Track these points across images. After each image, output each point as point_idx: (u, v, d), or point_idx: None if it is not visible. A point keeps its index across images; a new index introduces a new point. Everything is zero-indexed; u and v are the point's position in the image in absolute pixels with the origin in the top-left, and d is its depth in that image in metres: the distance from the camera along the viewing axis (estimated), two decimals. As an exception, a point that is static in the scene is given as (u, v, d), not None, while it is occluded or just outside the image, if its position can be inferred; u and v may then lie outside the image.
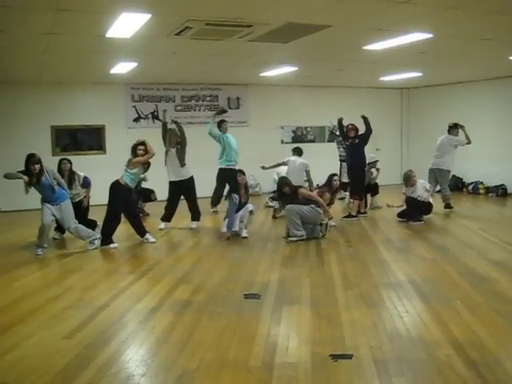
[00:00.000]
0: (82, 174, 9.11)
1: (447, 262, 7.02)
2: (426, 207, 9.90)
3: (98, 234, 8.30)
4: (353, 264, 7.04)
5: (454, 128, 11.33)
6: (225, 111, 11.24)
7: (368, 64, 10.49)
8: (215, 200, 11.19)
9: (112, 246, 8.21)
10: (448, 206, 11.04)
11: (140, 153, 8.27)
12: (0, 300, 5.78)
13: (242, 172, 8.93)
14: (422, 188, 9.88)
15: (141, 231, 8.54)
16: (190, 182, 9.55)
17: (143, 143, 8.38)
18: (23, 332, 4.81)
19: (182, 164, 9.36)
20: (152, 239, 8.48)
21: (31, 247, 8.04)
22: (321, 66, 11.06)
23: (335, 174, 9.57)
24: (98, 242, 8.14)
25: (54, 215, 7.86)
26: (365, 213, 10.70)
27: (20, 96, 12.12)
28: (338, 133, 11.54)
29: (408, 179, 10.00)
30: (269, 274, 6.56)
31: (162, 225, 9.57)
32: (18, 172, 7.68)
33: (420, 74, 12.49)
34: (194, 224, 9.69)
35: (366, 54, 8.99)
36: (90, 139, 13.08)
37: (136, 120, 13.39)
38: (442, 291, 5.78)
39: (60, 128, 12.60)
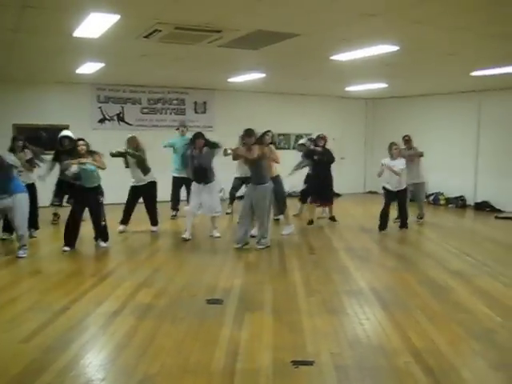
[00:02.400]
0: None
1: (407, 271, 7.14)
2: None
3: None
4: (315, 271, 7.10)
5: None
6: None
7: (334, 74, 10.61)
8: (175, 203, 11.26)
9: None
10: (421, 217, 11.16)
11: (82, 148, 8.05)
12: (-45, 301, 5.64)
13: None
14: (402, 165, 9.84)
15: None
16: (150, 186, 9.51)
17: (82, 139, 8.23)
18: (-21, 335, 4.70)
19: (145, 173, 9.38)
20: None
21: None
22: (288, 74, 11.14)
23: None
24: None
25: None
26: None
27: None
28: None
29: (390, 148, 9.94)
30: (231, 280, 6.56)
31: (121, 227, 9.47)
32: None
33: (385, 85, 12.68)
34: (155, 228, 9.68)
35: (332, 64, 9.07)
36: (53, 139, 12.81)
37: (101, 121, 13.23)
38: (402, 299, 5.88)
39: (22, 126, 12.35)
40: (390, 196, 9.89)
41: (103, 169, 8.12)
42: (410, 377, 3.94)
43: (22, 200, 7.59)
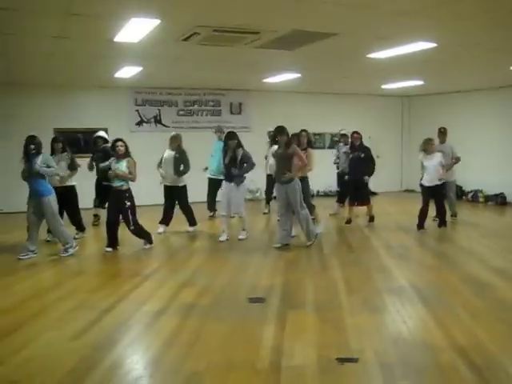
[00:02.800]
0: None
1: (448, 269, 7.09)
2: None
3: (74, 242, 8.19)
4: (355, 269, 7.10)
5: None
6: None
7: (371, 72, 10.59)
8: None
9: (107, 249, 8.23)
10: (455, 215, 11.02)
11: (119, 149, 8.14)
12: (6, 301, 5.84)
13: None
14: (439, 159, 9.70)
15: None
16: (182, 188, 9.63)
17: (121, 139, 8.32)
18: (31, 333, 4.86)
19: (179, 175, 9.47)
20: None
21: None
22: (324, 74, 11.16)
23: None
24: (72, 251, 8.01)
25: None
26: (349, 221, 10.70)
27: (24, 98, 12.20)
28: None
29: (426, 143, 9.79)
30: (272, 278, 6.62)
31: (161, 228, 9.61)
32: None
33: (421, 83, 12.59)
34: (191, 228, 9.80)
35: (369, 62, 9.07)
36: (92, 142, 13.08)
37: (139, 124, 13.47)
38: (444, 297, 5.84)
39: (63, 131, 12.62)
40: (428, 193, 9.76)
41: (133, 181, 8.20)
42: (456, 374, 3.93)
43: (48, 203, 7.76)
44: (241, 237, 9.08)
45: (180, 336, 4.74)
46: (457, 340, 4.56)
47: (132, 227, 8.22)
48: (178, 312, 5.37)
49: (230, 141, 8.86)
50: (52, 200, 7.81)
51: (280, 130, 8.33)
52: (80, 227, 9.25)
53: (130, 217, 8.17)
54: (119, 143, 8.19)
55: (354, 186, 10.42)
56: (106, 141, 10.16)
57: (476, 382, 3.79)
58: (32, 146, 7.76)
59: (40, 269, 7.38)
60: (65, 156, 9.00)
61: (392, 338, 4.67)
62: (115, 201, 8.18)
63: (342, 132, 12.08)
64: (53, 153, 8.88)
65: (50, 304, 5.70)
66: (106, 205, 10.16)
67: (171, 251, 8.57)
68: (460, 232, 10.04)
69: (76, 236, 8.99)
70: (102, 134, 10.50)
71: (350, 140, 10.90)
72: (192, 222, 9.81)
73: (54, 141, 9.16)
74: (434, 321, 5.06)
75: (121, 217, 8.37)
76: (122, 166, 8.05)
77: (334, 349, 4.40)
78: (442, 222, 9.96)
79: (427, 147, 9.71)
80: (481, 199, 13.84)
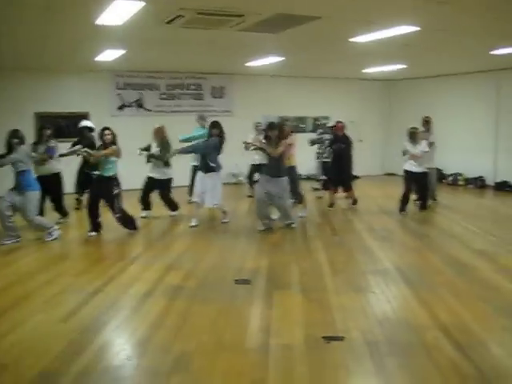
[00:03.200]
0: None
1: (431, 251, 7.22)
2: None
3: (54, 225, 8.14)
4: (339, 251, 7.20)
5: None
6: None
7: (353, 56, 10.60)
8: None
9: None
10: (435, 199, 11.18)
11: (107, 138, 8.12)
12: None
13: None
14: (424, 148, 9.80)
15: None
16: (168, 181, 9.63)
17: (108, 128, 8.30)
18: (18, 316, 4.87)
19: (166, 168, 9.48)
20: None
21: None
22: (307, 57, 11.14)
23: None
24: (56, 233, 7.98)
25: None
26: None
27: (4, 82, 12.02)
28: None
29: (413, 134, 9.84)
30: (258, 261, 6.69)
31: (144, 213, 9.60)
32: None
33: (404, 67, 12.64)
34: (174, 213, 9.80)
35: (352, 46, 9.07)
36: (73, 126, 12.96)
37: (120, 108, 13.35)
38: (427, 278, 5.96)
39: (43, 115, 12.51)
40: (411, 178, 9.86)
41: (117, 157, 8.19)
42: (440, 351, 4.03)
43: (32, 198, 7.71)
44: (225, 220, 9.13)
45: (168, 318, 4.79)
46: (440, 319, 4.67)
47: (118, 214, 8.21)
48: (164, 294, 5.41)
49: (214, 129, 8.89)
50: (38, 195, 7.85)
51: (272, 126, 8.46)
52: (63, 213, 9.21)
53: (117, 204, 8.17)
54: (107, 131, 8.16)
55: (338, 172, 10.52)
56: (91, 129, 10.12)
57: (459, 358, 3.90)
58: (16, 140, 7.65)
59: (24, 253, 7.34)
60: (52, 143, 8.93)
61: (377, 317, 4.77)
62: (101, 188, 8.13)
63: (330, 125, 12.12)
64: (40, 140, 8.82)
65: (36, 288, 5.69)
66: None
67: (155, 235, 8.56)
68: (441, 215, 10.17)
69: (59, 221, 8.95)
70: (87, 123, 10.43)
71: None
72: (174, 207, 9.82)
73: (42, 128, 9.07)
74: (418, 301, 5.17)
75: (103, 202, 8.34)
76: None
77: (320, 328, 4.48)
78: (424, 206, 10.09)
79: (414, 136, 9.80)
80: (460, 182, 14.00)
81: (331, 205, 10.60)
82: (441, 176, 14.26)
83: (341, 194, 10.79)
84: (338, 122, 10.74)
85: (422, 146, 9.74)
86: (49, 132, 8.95)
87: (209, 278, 6.01)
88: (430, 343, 4.18)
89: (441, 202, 11.09)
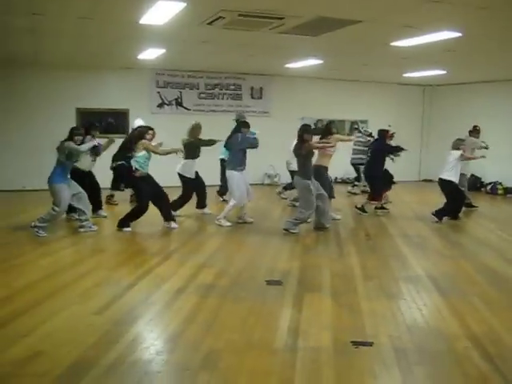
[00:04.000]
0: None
1: (464, 259, 7.12)
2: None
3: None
4: (372, 256, 7.17)
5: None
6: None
7: (394, 60, 10.55)
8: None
9: (126, 229, 8.33)
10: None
11: (149, 137, 8.38)
12: (31, 275, 5.99)
13: None
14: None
15: (167, 216, 8.64)
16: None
17: (152, 128, 8.55)
18: (55, 306, 5.01)
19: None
20: (174, 225, 8.61)
21: (55, 226, 8.23)
22: (346, 61, 11.14)
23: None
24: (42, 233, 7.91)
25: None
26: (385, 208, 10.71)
27: (47, 78, 12.35)
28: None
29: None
30: (290, 262, 6.73)
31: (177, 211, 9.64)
32: None
33: (444, 72, 12.51)
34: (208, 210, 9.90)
35: (392, 51, 9.05)
36: (114, 123, 13.22)
37: (160, 106, 13.56)
38: (459, 287, 5.90)
39: (85, 111, 12.79)
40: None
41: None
42: (469, 361, 3.99)
43: (56, 190, 7.88)
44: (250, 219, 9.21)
45: (199, 314, 4.86)
46: (471, 328, 4.62)
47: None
48: (197, 291, 5.48)
49: (246, 129, 8.99)
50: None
51: (307, 130, 8.57)
52: (100, 206, 9.44)
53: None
54: (151, 132, 8.52)
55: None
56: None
57: (488, 369, 3.85)
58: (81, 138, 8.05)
59: (62, 246, 7.54)
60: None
61: (407, 324, 4.74)
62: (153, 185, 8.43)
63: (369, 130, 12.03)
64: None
65: (72, 280, 5.84)
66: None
67: (189, 233, 8.65)
68: (477, 223, 10.02)
69: (103, 214, 9.32)
70: (141, 122, 10.51)
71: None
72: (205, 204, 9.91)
73: (91, 126, 9.35)
74: (449, 309, 5.12)
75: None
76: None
77: (349, 332, 4.49)
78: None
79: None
80: (500, 191, 13.77)
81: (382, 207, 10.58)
82: (480, 184, 14.10)
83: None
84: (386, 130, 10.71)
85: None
86: (97, 132, 9.22)
87: (241, 277, 6.07)
88: (460, 353, 4.14)
89: (478, 211, 10.93)
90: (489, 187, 14.01)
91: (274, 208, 10.84)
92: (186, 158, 9.28)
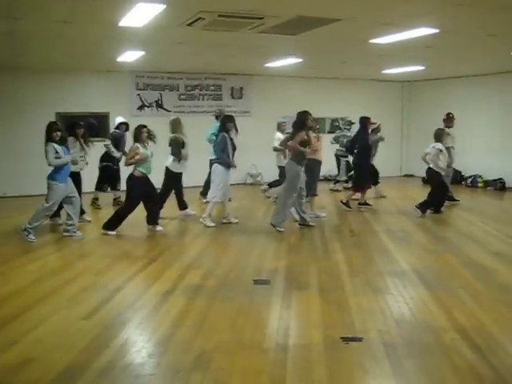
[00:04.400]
0: None
1: (449, 253, 7.21)
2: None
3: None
4: (357, 252, 7.23)
5: None
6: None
7: (372, 57, 10.64)
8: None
9: (111, 233, 8.26)
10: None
11: (144, 135, 8.33)
12: (17, 281, 5.96)
13: None
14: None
15: (153, 219, 8.59)
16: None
17: (145, 126, 8.55)
18: (43, 312, 4.99)
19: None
20: (159, 228, 8.57)
21: (40, 230, 8.10)
22: (325, 59, 11.20)
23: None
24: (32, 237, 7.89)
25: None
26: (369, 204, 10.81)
27: (27, 82, 12.22)
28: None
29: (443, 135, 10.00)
30: (276, 261, 6.76)
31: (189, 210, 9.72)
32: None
33: (422, 68, 12.63)
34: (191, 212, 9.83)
35: (371, 48, 9.12)
36: (96, 124, 13.09)
37: (140, 108, 13.52)
38: (445, 280, 5.98)
39: (65, 115, 12.67)
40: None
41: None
42: (457, 353, 4.05)
43: (49, 187, 7.87)
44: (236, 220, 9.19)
45: (188, 316, 4.87)
46: (458, 321, 4.69)
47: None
48: (185, 293, 5.48)
49: (231, 124, 8.95)
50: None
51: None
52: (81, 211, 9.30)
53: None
54: (145, 129, 8.50)
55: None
56: (127, 125, 10.46)
57: (476, 360, 3.92)
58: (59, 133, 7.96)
59: (48, 251, 7.50)
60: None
61: (395, 318, 4.80)
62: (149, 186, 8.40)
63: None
64: (74, 137, 8.97)
65: (59, 286, 5.80)
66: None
67: (174, 235, 8.64)
68: (459, 217, 10.15)
69: (87, 218, 9.23)
70: (123, 119, 10.64)
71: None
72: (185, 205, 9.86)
73: (77, 125, 9.22)
74: (436, 302, 5.19)
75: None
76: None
77: (338, 329, 4.53)
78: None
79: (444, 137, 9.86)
80: (480, 184, 13.93)
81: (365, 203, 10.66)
82: (460, 178, 14.24)
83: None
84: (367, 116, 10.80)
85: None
86: (82, 131, 9.13)
87: (228, 277, 6.09)
88: (448, 345, 4.20)
89: (459, 204, 11.06)
90: (469, 180, 14.16)
91: (258, 207, 10.86)
92: (172, 153, 9.33)
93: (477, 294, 5.44)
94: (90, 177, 10.15)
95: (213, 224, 8.81)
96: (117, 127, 10.54)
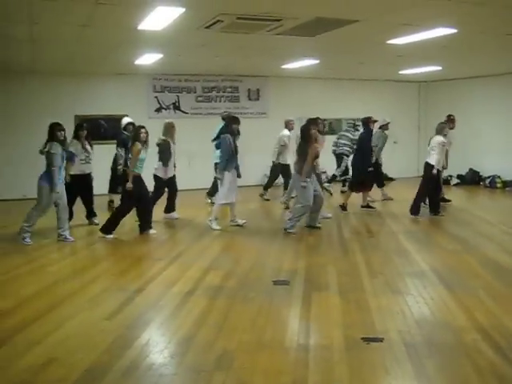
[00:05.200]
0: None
1: (468, 253, 7.18)
2: None
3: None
4: (376, 253, 7.23)
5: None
6: None
7: (390, 58, 10.62)
8: None
9: (109, 236, 8.24)
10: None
11: (142, 136, 8.25)
12: (39, 283, 6.04)
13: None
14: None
15: (145, 225, 8.55)
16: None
17: (143, 127, 8.44)
18: (65, 313, 5.06)
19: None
20: (152, 231, 8.54)
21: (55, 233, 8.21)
22: (342, 60, 11.20)
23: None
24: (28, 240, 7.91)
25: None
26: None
27: (46, 85, 12.38)
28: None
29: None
30: (295, 262, 6.78)
31: (175, 214, 9.73)
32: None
33: (439, 68, 12.58)
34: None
35: (388, 48, 9.11)
36: (112, 129, 13.22)
37: (157, 110, 13.59)
38: (465, 281, 5.96)
39: (83, 117, 12.81)
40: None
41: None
42: (479, 353, 4.05)
43: (38, 190, 7.95)
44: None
45: (209, 316, 4.91)
46: (479, 321, 4.68)
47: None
48: (206, 294, 5.53)
49: (236, 126, 8.89)
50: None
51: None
52: (92, 213, 9.34)
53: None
54: (143, 130, 8.35)
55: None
56: (134, 125, 10.34)
57: (498, 360, 3.91)
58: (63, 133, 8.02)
59: (67, 253, 7.60)
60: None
61: (415, 319, 4.80)
62: (142, 187, 8.39)
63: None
64: (77, 138, 9.03)
65: (80, 287, 5.87)
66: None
67: (191, 237, 8.65)
68: (477, 217, 10.08)
69: (95, 221, 9.18)
70: (131, 119, 10.58)
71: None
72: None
73: (80, 127, 9.23)
74: (456, 303, 5.18)
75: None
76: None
77: (359, 329, 4.54)
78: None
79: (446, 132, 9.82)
80: (498, 185, 13.81)
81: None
82: (478, 178, 14.17)
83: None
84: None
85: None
86: (85, 133, 9.09)
87: (248, 278, 6.12)
88: (469, 345, 4.20)
89: (478, 205, 11.01)
90: (487, 181, 14.06)
91: (275, 208, 10.88)
92: (160, 159, 9.37)
93: (496, 294, 5.42)
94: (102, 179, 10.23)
95: (218, 227, 8.77)
96: (124, 128, 10.55)
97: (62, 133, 8.04)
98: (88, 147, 9.07)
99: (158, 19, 6.73)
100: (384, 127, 11.50)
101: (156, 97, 13.58)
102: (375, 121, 10.72)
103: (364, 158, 10.30)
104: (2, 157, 12.23)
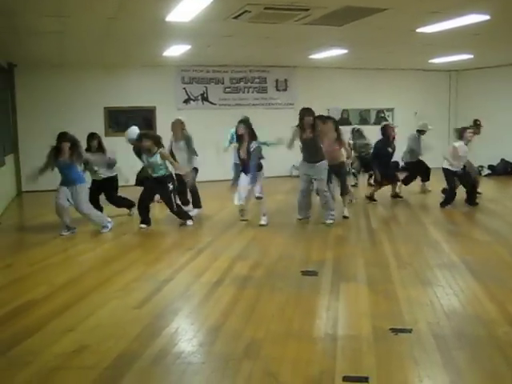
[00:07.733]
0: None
1: (500, 244, 7.08)
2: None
3: (108, 218, 8.35)
4: (405, 244, 7.16)
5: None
6: None
7: (419, 46, 10.48)
8: None
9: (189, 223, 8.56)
10: None
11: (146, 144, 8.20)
12: (70, 272, 6.16)
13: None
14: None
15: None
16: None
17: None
18: (96, 301, 5.13)
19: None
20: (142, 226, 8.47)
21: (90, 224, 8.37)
22: (371, 49, 11.08)
23: None
24: (110, 225, 8.25)
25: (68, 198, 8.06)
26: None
27: (77, 78, 12.56)
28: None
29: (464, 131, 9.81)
30: (323, 252, 6.77)
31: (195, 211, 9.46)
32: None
33: (471, 56, 12.36)
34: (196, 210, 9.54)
35: (418, 37, 9.00)
36: (141, 120, 13.33)
37: (186, 101, 13.68)
38: (495, 272, 5.87)
39: (113, 109, 12.97)
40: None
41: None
42: (511, 346, 3.99)
43: (81, 190, 8.02)
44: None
45: (237, 306, 4.93)
46: (510, 313, 4.60)
47: (175, 209, 8.49)
48: (234, 283, 5.56)
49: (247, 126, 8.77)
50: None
51: (309, 112, 8.62)
52: (130, 205, 9.39)
53: (173, 199, 8.43)
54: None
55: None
56: None
57: (532, 354, 3.86)
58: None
59: (96, 243, 7.72)
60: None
61: (444, 310, 4.74)
62: (156, 185, 8.41)
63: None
64: (88, 150, 8.87)
65: (110, 276, 5.95)
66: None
67: (219, 227, 8.69)
68: (510, 208, 9.92)
69: (130, 213, 9.34)
70: (137, 130, 10.19)
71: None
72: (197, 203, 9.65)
73: (91, 137, 9.00)
74: (487, 295, 5.10)
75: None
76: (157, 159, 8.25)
77: (387, 320, 4.51)
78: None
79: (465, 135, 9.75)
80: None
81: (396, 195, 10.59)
82: (510, 169, 13.94)
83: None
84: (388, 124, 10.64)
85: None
86: (96, 142, 8.95)
87: (276, 268, 6.13)
88: (500, 338, 4.13)
89: (510, 195, 10.82)
90: (520, 172, 13.83)
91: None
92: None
93: (529, 287, 5.34)
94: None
95: (265, 223, 8.54)
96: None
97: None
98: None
99: (186, 10, 6.76)
100: (422, 132, 11.28)
101: (184, 88, 13.65)
102: (394, 128, 10.62)
103: (380, 159, 10.35)
104: (35, 150, 12.41)
